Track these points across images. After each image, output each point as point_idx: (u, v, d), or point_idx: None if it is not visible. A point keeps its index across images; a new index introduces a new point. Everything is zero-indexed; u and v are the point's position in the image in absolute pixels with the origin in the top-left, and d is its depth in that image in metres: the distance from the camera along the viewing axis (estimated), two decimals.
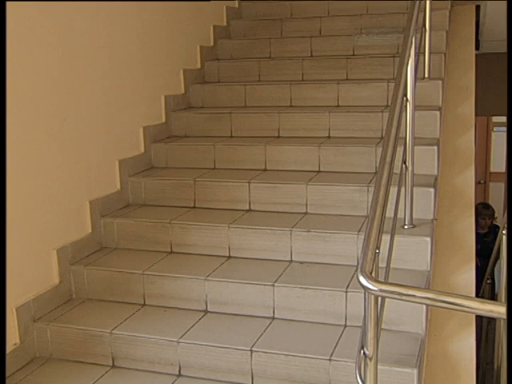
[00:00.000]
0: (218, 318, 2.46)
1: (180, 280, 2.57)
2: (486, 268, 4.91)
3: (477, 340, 3.99)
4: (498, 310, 1.38)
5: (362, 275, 1.42)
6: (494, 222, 5.93)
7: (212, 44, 4.33)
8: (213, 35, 4.35)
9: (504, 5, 4.21)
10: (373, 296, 1.51)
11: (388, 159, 1.84)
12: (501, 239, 3.68)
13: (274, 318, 2.45)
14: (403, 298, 1.39)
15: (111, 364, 2.39)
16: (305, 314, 2.43)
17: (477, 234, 4.52)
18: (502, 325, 2.37)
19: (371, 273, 1.43)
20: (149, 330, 2.38)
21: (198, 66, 4.12)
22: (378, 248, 1.55)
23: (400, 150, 2.60)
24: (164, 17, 3.64)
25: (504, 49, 4.93)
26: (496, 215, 6.03)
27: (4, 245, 2.24)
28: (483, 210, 5.81)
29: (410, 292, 1.38)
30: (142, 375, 2.32)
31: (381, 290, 1.42)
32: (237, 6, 4.78)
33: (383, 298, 1.96)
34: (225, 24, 4.56)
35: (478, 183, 9.28)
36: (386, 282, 1.52)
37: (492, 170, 9.13)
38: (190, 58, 4.03)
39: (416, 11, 2.60)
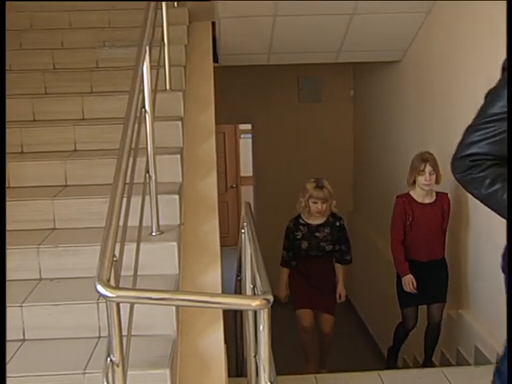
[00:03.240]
0: None
1: None
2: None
3: (236, 334, 4.25)
4: (228, 301, 1.52)
5: (100, 284, 1.45)
6: (333, 210, 4.39)
7: None
8: None
9: (235, 23, 4.56)
10: (114, 303, 1.56)
11: (123, 169, 1.90)
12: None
13: (24, 340, 2.37)
14: (140, 301, 1.46)
15: None
16: (58, 331, 2.39)
17: (307, 225, 4.30)
18: (249, 316, 2.57)
19: (109, 280, 1.48)
20: None
21: None
22: (116, 256, 1.60)
23: (143, 160, 2.69)
24: None
25: (239, 62, 5.33)
26: (334, 200, 4.35)
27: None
28: (315, 191, 4.22)
29: (146, 295, 1.45)
30: None
31: (118, 297, 1.48)
32: None
33: (132, 305, 2.02)
34: None
35: (230, 187, 9.84)
36: (122, 288, 1.58)
37: (242, 174, 9.73)
38: None
39: (149, 25, 2.71)
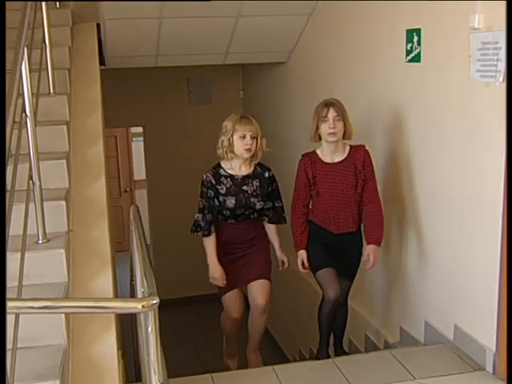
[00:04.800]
0: None
1: None
2: None
3: (133, 339, 4.19)
4: (113, 305, 1.51)
5: None
6: (265, 150, 3.54)
7: None
8: None
9: (121, 25, 4.50)
10: None
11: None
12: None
13: None
14: (22, 311, 1.42)
15: None
16: None
17: (231, 177, 3.42)
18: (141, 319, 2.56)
19: None
20: None
21: None
22: None
23: (27, 166, 2.61)
24: None
25: (127, 64, 5.27)
26: (264, 138, 3.54)
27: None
28: (241, 123, 3.42)
29: (28, 304, 1.42)
30: None
31: None
32: None
33: (17, 316, 1.95)
34: None
35: (124, 191, 9.68)
36: None
37: (136, 177, 9.59)
38: None
39: (26, 26, 2.63)
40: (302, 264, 3.51)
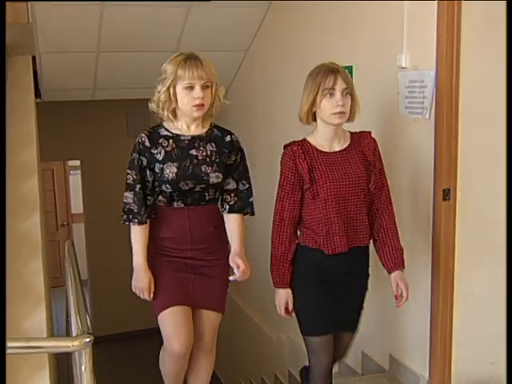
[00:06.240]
0: None
1: None
2: None
3: (69, 378, 4.07)
4: (45, 344, 1.49)
5: None
6: (223, 103, 2.59)
7: None
8: None
9: (57, 58, 4.48)
10: None
11: None
12: None
13: None
14: None
15: None
16: None
17: (174, 137, 2.49)
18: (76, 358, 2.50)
19: None
20: None
21: None
22: None
23: None
24: None
25: (64, 98, 5.23)
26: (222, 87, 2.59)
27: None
28: (186, 66, 2.42)
29: None
30: None
31: None
32: None
33: None
34: None
35: (61, 225, 9.48)
36: None
37: (73, 211, 9.42)
38: None
39: None
40: (286, 307, 2.53)
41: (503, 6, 2.55)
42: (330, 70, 2.39)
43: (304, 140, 2.51)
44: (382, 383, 3.21)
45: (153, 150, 2.47)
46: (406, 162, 3.02)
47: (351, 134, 2.56)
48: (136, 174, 2.48)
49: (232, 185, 2.58)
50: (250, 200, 2.62)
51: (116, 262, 7.10)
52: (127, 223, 2.53)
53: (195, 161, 2.48)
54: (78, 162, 7.85)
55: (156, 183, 2.50)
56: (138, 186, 2.48)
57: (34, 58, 4.62)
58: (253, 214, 2.64)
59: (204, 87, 2.42)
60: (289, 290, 2.52)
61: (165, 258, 2.55)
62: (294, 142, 2.49)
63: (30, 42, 4.53)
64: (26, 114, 4.03)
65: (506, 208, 2.45)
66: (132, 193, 2.48)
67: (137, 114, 7.24)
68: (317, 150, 2.47)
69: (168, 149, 2.48)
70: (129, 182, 2.50)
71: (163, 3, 4.06)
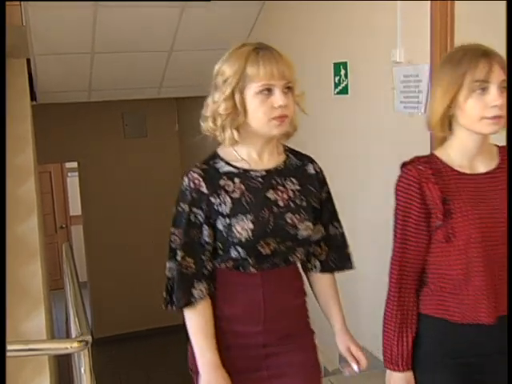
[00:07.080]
0: None
1: None
2: None
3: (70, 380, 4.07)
4: (43, 347, 1.49)
5: None
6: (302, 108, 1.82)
7: None
8: None
9: (51, 60, 4.47)
10: None
11: None
12: None
13: None
14: None
15: None
16: None
17: (244, 174, 1.72)
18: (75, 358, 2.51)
19: None
20: None
21: None
22: None
23: None
24: None
25: (59, 100, 5.22)
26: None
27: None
28: (261, 61, 1.70)
29: None
30: None
31: None
32: None
33: None
34: None
35: (60, 228, 9.47)
36: None
37: (72, 213, 9.41)
38: None
39: None
40: None
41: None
42: (482, 54, 1.63)
43: (432, 156, 1.77)
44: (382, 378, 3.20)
45: (212, 198, 1.71)
46: (401, 157, 3.01)
47: (499, 148, 1.81)
48: (183, 236, 1.71)
49: (321, 232, 1.86)
50: (347, 251, 1.93)
51: (115, 264, 7.11)
52: (169, 307, 1.74)
53: (275, 209, 1.73)
54: (75, 164, 7.84)
55: (220, 245, 1.73)
56: (187, 255, 1.72)
57: (28, 61, 4.62)
58: (352, 268, 1.94)
59: (285, 91, 1.70)
60: (411, 374, 1.80)
61: (224, 350, 1.74)
62: (418, 158, 1.77)
63: (24, 45, 4.52)
64: (21, 116, 4.03)
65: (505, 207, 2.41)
66: (176, 264, 1.71)
67: (133, 115, 7.26)
68: (452, 170, 1.74)
69: (236, 195, 1.71)
70: (173, 246, 1.74)
71: (157, 3, 4.05)
